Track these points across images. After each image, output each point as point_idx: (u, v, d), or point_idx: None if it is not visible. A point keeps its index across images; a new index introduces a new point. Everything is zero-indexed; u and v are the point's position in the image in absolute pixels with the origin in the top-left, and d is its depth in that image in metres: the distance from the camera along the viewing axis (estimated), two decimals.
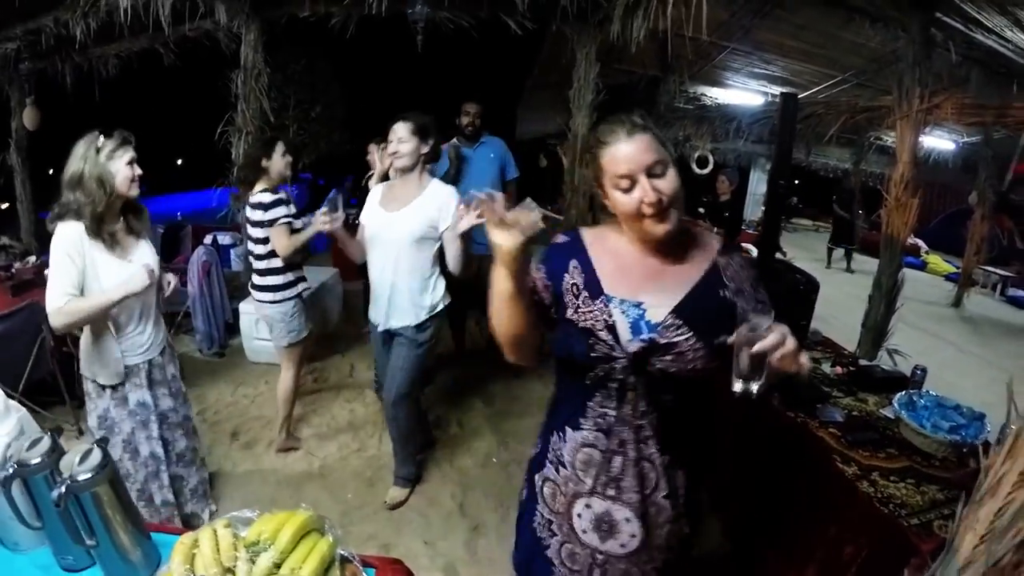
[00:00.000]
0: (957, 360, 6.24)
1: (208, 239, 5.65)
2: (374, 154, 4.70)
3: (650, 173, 1.39)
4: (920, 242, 13.04)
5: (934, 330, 7.66)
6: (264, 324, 3.99)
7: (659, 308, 1.47)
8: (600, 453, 1.54)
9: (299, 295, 3.64)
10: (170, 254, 6.66)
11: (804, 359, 1.29)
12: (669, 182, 1.40)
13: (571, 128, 5.05)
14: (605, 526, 1.57)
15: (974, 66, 4.47)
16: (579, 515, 1.59)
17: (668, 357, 1.43)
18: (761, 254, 3.47)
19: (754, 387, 1.31)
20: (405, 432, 3.42)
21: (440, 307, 3.24)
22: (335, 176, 15.93)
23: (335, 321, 6.24)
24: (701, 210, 8.66)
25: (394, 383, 3.25)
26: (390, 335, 3.27)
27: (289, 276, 3.56)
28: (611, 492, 1.54)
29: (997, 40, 3.76)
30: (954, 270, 11.13)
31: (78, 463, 1.41)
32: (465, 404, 4.63)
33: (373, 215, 3.16)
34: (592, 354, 1.48)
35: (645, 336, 1.45)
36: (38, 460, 1.47)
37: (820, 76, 6.30)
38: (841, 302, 5.47)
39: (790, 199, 20.49)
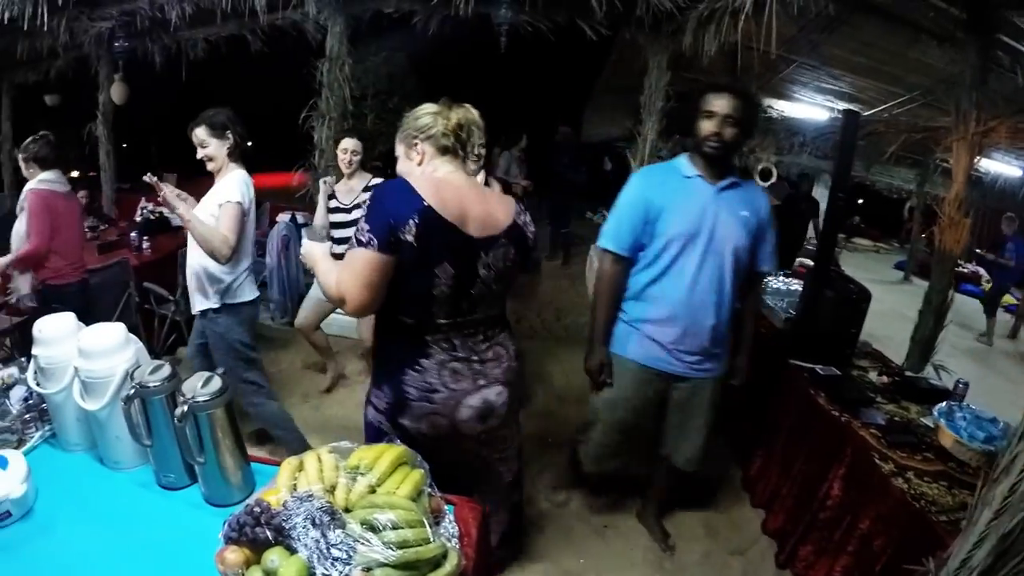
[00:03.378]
0: (1005, 390, 6.17)
1: (287, 216, 5.91)
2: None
3: None
4: (981, 270, 12.77)
5: (987, 359, 7.58)
6: None
7: None
8: None
9: None
10: None
11: None
12: None
13: (640, 133, 5.16)
14: None
15: None
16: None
17: None
18: (817, 266, 3.56)
19: None
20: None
21: (227, 301, 3.10)
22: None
23: None
24: None
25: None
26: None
27: None
28: None
29: None
30: (1014, 301, 10.88)
31: (201, 387, 1.61)
32: None
33: None
34: None
35: None
36: (158, 383, 1.67)
37: (885, 94, 6.26)
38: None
39: (852, 218, 19.96)
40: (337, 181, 4.14)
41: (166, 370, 1.72)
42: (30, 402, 2.02)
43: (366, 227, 1.76)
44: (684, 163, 2.61)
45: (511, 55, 5.04)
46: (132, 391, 1.67)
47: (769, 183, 10.95)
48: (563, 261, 9.15)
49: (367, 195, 3.88)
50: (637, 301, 2.68)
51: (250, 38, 5.79)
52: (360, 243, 1.77)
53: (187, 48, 6.20)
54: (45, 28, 5.15)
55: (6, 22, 4.88)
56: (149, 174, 2.85)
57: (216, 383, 1.64)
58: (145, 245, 5.18)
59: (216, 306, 3.10)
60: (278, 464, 1.74)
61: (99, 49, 6.45)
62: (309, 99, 5.36)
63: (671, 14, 4.34)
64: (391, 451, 1.53)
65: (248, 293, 3.20)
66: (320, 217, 4.07)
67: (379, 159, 10.42)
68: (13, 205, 3.82)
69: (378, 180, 3.83)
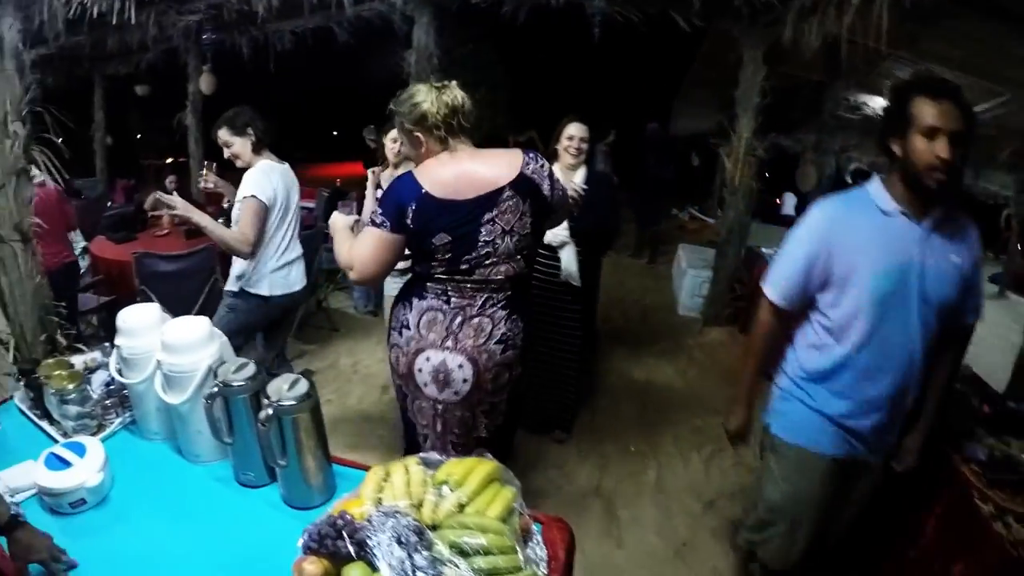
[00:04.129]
0: None
1: None
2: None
3: None
4: None
5: None
6: None
7: None
8: None
9: None
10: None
11: None
12: None
13: (735, 130, 4.97)
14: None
15: None
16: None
17: None
18: None
19: None
20: None
21: (244, 288, 3.27)
22: None
23: None
24: None
25: None
26: None
27: None
28: None
29: None
30: None
31: (287, 389, 1.57)
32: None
33: None
34: None
35: None
36: (242, 383, 1.65)
37: (986, 92, 5.92)
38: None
39: None
40: (383, 170, 4.14)
41: (250, 369, 1.70)
42: (111, 387, 2.04)
43: (379, 211, 2.00)
44: (879, 192, 1.94)
45: (599, 46, 4.94)
46: (215, 389, 1.65)
47: None
48: (649, 259, 8.90)
49: None
50: (827, 384, 2.10)
51: (337, 30, 5.84)
52: (374, 224, 2.00)
53: (274, 40, 6.32)
54: (134, 23, 5.29)
55: (96, 17, 5.01)
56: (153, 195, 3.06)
57: (303, 385, 1.61)
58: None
59: (235, 290, 3.30)
60: (361, 467, 1.70)
61: (187, 42, 6.65)
62: (396, 90, 5.34)
63: (769, 5, 4.16)
64: (482, 467, 1.46)
65: (265, 288, 3.30)
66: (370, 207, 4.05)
67: None
68: (106, 189, 3.89)
69: None
